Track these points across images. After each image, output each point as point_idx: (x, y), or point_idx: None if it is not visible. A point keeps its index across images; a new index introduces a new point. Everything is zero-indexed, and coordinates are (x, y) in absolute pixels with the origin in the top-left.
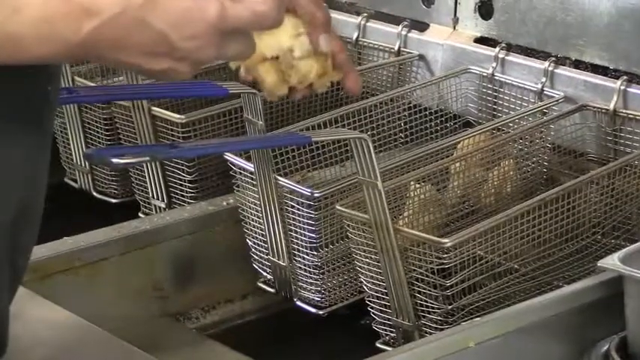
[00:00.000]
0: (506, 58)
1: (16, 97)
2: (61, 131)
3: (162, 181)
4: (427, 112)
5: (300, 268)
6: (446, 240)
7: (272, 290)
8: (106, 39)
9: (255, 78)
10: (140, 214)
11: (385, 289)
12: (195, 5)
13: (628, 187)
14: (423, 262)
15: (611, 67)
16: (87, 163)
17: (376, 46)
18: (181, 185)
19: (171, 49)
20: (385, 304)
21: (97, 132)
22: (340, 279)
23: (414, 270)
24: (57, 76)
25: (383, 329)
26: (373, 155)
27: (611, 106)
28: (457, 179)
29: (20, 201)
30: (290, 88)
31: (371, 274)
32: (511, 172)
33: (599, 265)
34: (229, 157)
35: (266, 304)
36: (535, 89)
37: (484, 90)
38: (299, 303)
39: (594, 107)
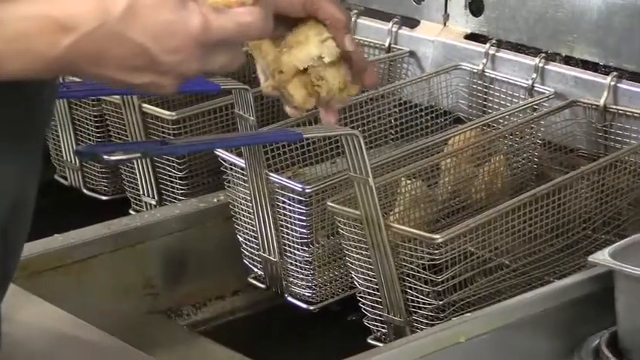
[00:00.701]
0: (496, 54)
1: (10, 108)
2: (51, 128)
3: (152, 178)
4: (418, 109)
5: (291, 263)
6: (437, 236)
7: (263, 286)
8: (84, 54)
9: (281, 95)
10: (131, 211)
11: (376, 284)
12: (177, 18)
13: (618, 182)
14: (414, 258)
15: (601, 63)
16: (77, 160)
17: (367, 43)
18: (172, 182)
19: (152, 63)
20: (376, 300)
21: (87, 129)
22: (331, 275)
23: (405, 266)
24: (53, 83)
25: (374, 325)
26: (364, 151)
27: (602, 102)
28: (448, 175)
29: (12, 204)
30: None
31: (362, 270)
32: (501, 168)
33: (589, 260)
34: (220, 153)
35: (257, 300)
36: (525, 85)
37: (474, 86)
38: (290, 299)
39: (584, 103)
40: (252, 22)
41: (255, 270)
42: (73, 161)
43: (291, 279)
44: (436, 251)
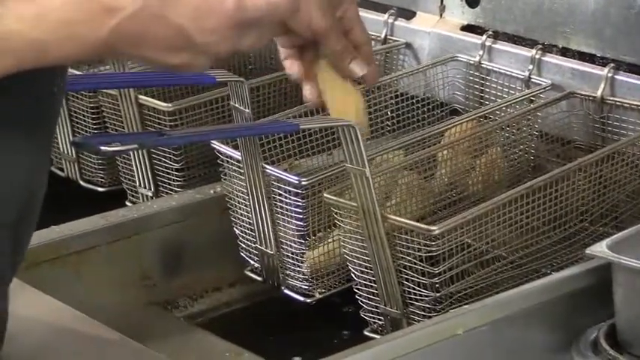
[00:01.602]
0: (493, 45)
1: (22, 101)
2: None
3: (149, 170)
4: (414, 100)
5: (287, 256)
6: (434, 227)
7: (259, 278)
8: (127, 35)
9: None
10: (127, 203)
11: (373, 276)
12: None
13: (616, 174)
14: (411, 250)
15: (598, 55)
16: (74, 152)
17: None
18: (168, 174)
19: (189, 44)
20: (373, 292)
21: (84, 121)
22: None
23: (402, 257)
24: (63, 75)
25: (371, 317)
26: (361, 143)
27: (599, 94)
28: (444, 167)
29: (24, 198)
30: None
31: (359, 261)
32: (498, 160)
33: (587, 252)
34: (216, 145)
35: (253, 292)
36: (522, 77)
37: (471, 78)
38: (286, 291)
39: (581, 95)
40: (279, 1)
41: (252, 262)
42: (70, 153)
43: (287, 271)
44: (433, 243)
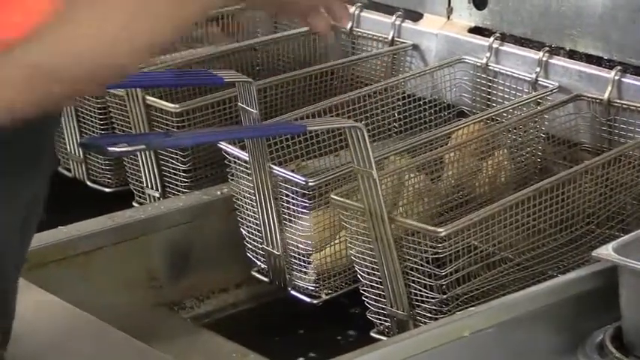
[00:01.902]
0: (500, 48)
1: (23, 142)
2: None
3: (156, 171)
4: (421, 102)
5: (294, 257)
6: (441, 229)
7: (266, 279)
8: None
9: None
10: (134, 204)
11: (380, 278)
12: None
13: (622, 177)
14: (417, 252)
15: (605, 58)
16: (81, 153)
17: (370, 36)
18: (175, 175)
19: None
20: (380, 294)
21: (92, 121)
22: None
23: (409, 259)
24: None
25: (377, 318)
26: (368, 144)
27: (606, 96)
28: (451, 169)
29: (25, 218)
30: None
31: (365, 263)
32: (505, 162)
33: (593, 255)
34: (224, 146)
35: (260, 293)
36: (529, 79)
37: (478, 80)
38: (293, 292)
39: (588, 97)
40: None
41: (259, 263)
42: (77, 153)
43: (294, 272)
44: (440, 245)
